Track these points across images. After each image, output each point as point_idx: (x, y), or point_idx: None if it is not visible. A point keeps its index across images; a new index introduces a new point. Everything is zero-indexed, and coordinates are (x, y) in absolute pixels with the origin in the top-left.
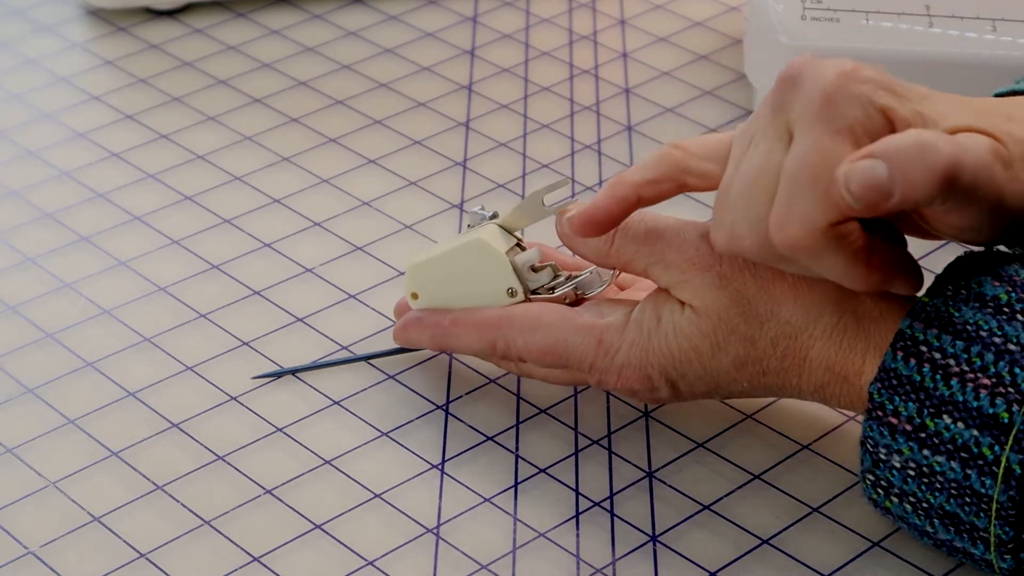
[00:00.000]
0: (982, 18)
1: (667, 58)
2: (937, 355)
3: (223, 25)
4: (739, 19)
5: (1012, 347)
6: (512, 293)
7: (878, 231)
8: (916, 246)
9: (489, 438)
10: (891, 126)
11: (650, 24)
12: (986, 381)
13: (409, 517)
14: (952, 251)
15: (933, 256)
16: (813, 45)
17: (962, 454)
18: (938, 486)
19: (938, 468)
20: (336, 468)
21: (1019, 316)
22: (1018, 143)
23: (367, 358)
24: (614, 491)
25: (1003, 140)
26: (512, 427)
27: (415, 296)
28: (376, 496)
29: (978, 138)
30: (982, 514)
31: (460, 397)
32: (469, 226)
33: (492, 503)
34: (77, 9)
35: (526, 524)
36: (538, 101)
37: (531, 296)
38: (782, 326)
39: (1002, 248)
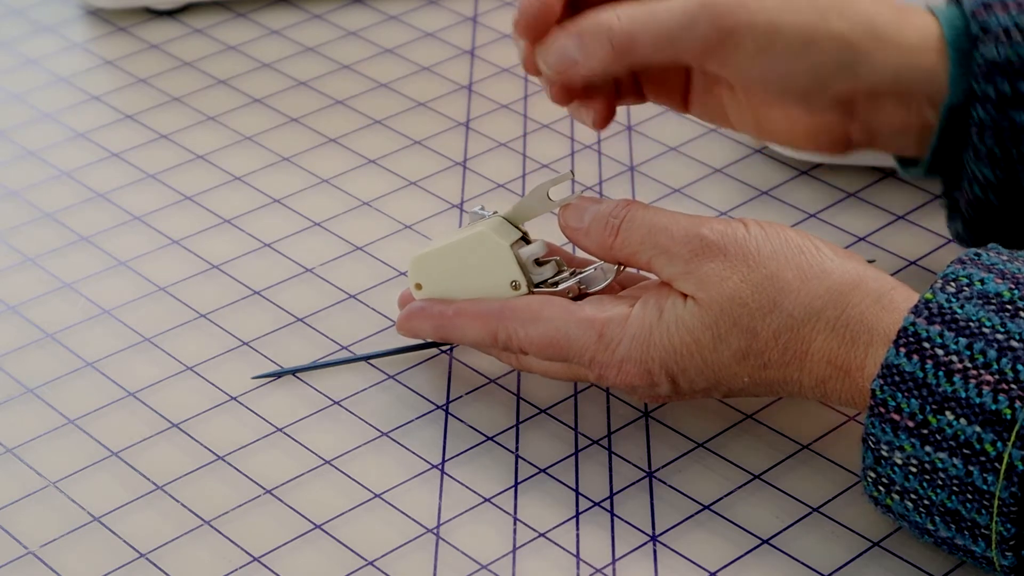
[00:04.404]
0: None
1: None
2: (940, 352)
3: (223, 25)
4: None
5: (1015, 344)
6: (516, 286)
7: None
8: (917, 246)
9: (489, 438)
10: None
11: None
12: (989, 378)
13: (409, 517)
14: (953, 250)
15: (934, 256)
16: None
17: (964, 450)
18: (940, 483)
19: (940, 465)
20: (336, 468)
21: (1022, 313)
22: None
23: (367, 358)
24: (614, 491)
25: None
26: (512, 427)
27: (419, 287)
28: (376, 496)
29: (672, 9)
30: (983, 511)
31: (460, 397)
32: (469, 224)
33: (492, 503)
34: (77, 9)
35: (526, 524)
36: (538, 101)
37: (535, 290)
38: (784, 318)
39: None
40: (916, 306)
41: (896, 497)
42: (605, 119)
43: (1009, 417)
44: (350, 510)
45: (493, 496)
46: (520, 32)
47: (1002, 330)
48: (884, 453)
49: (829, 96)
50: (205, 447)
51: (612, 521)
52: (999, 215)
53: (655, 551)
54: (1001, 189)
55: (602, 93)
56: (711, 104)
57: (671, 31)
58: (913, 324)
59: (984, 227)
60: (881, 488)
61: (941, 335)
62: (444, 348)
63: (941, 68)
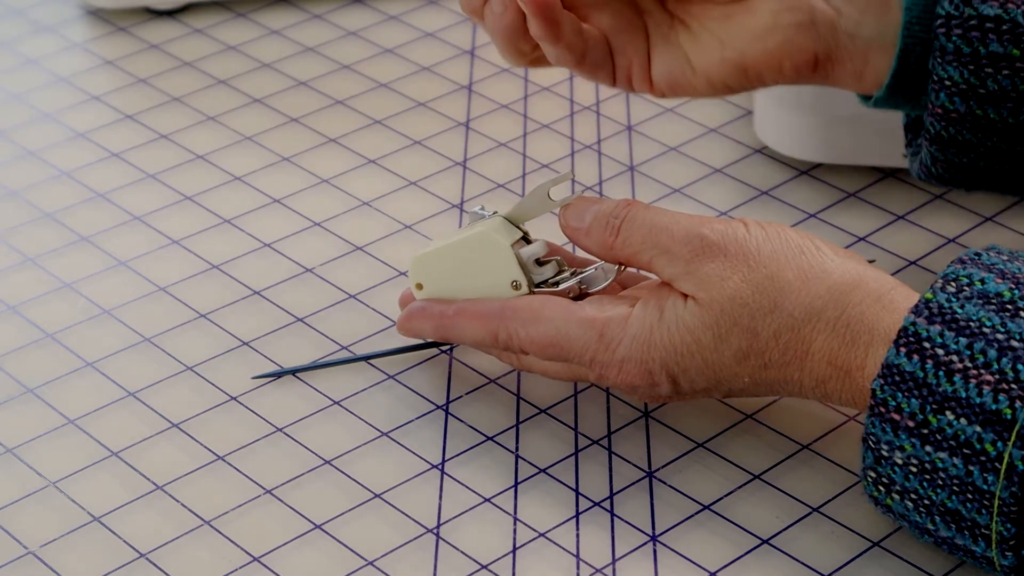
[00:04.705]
0: None
1: None
2: (940, 351)
3: (223, 25)
4: None
5: (1015, 343)
6: (516, 286)
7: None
8: (917, 246)
9: (489, 438)
10: None
11: None
12: (989, 377)
13: (409, 517)
14: (953, 250)
15: (934, 256)
16: None
17: (964, 450)
18: (940, 483)
19: (940, 465)
20: (336, 468)
21: (1022, 313)
22: None
23: (367, 358)
24: (614, 491)
25: None
26: (512, 427)
27: (420, 287)
28: (376, 496)
29: None
30: (984, 511)
31: (460, 397)
32: (470, 225)
33: (492, 503)
34: (77, 9)
35: (526, 524)
36: (538, 101)
37: (535, 290)
38: (785, 318)
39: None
40: (916, 306)
41: (896, 497)
42: (578, 51)
43: (1009, 417)
44: (350, 510)
45: (493, 496)
46: None
47: (1002, 330)
48: (884, 453)
49: None
50: (205, 447)
51: (612, 521)
52: (966, 134)
53: (655, 551)
54: (969, 95)
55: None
56: (671, 50)
57: None
58: (913, 324)
59: (950, 153)
60: (881, 488)
61: (941, 335)
62: (444, 348)
63: None
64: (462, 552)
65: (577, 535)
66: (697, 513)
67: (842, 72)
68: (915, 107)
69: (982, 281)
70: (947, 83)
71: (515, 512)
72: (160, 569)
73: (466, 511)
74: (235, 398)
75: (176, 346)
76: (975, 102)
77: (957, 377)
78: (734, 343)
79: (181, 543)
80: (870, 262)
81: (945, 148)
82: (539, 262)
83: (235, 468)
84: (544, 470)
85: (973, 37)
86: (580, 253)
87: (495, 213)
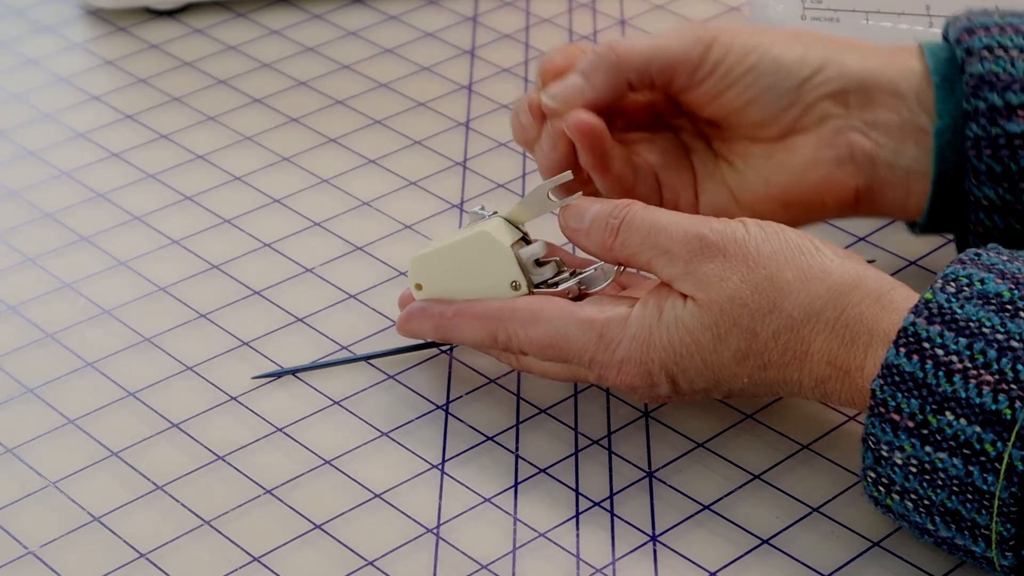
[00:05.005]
0: None
1: None
2: (940, 352)
3: (223, 25)
4: (739, 19)
5: (1015, 344)
6: (516, 286)
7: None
8: (917, 246)
9: (489, 438)
10: None
11: (650, 24)
12: (989, 378)
13: (409, 517)
14: (953, 250)
15: (935, 256)
16: None
17: (964, 451)
18: (940, 483)
19: (940, 465)
20: (336, 468)
21: (1022, 313)
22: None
23: (367, 358)
24: (614, 491)
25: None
26: (512, 427)
27: (419, 287)
28: (376, 496)
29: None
30: (983, 511)
31: (460, 397)
32: (469, 225)
33: (492, 503)
34: (77, 9)
35: (526, 524)
36: None
37: (535, 290)
38: (784, 319)
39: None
40: (916, 306)
41: (896, 497)
42: (628, 183)
43: (1009, 417)
44: (350, 510)
45: (493, 496)
46: (542, 77)
47: (1002, 330)
48: (884, 453)
49: (821, 92)
50: (205, 447)
51: (612, 521)
52: (1009, 245)
53: (655, 551)
54: (1006, 211)
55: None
56: (717, 187)
57: (666, 40)
58: (913, 324)
59: None
60: (881, 488)
61: (941, 335)
62: (444, 348)
63: (926, 73)
64: (462, 552)
65: (577, 535)
66: (697, 513)
67: (885, 202)
68: (959, 229)
69: (982, 281)
70: (984, 202)
71: (515, 512)
72: (160, 569)
73: (466, 511)
74: (235, 398)
75: (176, 346)
76: (1014, 218)
77: (957, 377)
78: (733, 344)
79: (181, 543)
80: (870, 262)
81: None
82: (539, 263)
83: (235, 468)
84: (544, 470)
85: (1003, 156)
86: (580, 254)
87: (495, 213)
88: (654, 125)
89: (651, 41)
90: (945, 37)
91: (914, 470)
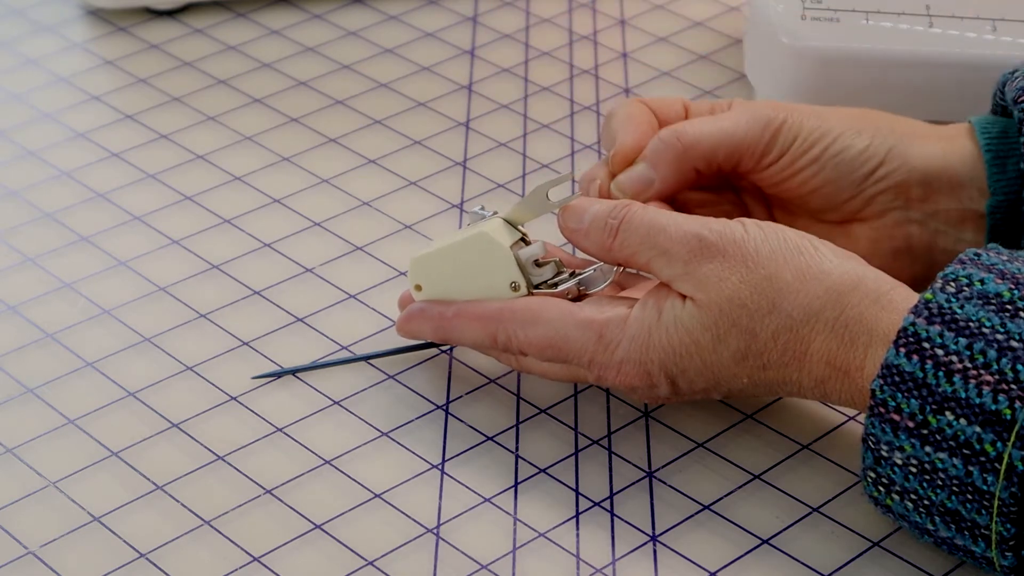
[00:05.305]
0: (982, 18)
1: (667, 58)
2: (940, 352)
3: (223, 25)
4: (739, 19)
5: (1015, 344)
6: (515, 287)
7: None
8: None
9: (489, 438)
10: None
11: (650, 24)
12: (988, 378)
13: (409, 517)
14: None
15: None
16: (813, 45)
17: (964, 451)
18: (939, 483)
19: (940, 465)
20: (336, 468)
21: (1022, 313)
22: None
23: (367, 358)
24: (614, 491)
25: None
26: (512, 427)
27: (419, 288)
28: (376, 496)
29: (730, 115)
30: (983, 511)
31: (460, 397)
32: (468, 225)
33: (492, 503)
34: (77, 9)
35: (526, 524)
36: (538, 101)
37: (534, 291)
38: (783, 319)
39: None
40: (916, 306)
41: (896, 497)
42: None
43: (1009, 417)
44: (350, 510)
45: (493, 496)
46: (615, 166)
47: (1002, 330)
48: (884, 453)
49: (883, 186)
50: (205, 447)
51: (612, 521)
52: None
53: (655, 551)
54: None
55: None
56: None
57: (733, 126)
58: (913, 324)
59: None
60: (881, 488)
61: (941, 335)
62: (444, 348)
63: (979, 154)
64: (462, 552)
65: (577, 535)
66: (697, 513)
67: (939, 252)
68: None
69: (982, 281)
70: None
71: (515, 512)
72: (160, 569)
73: (466, 511)
74: (235, 398)
75: (176, 346)
76: None
77: (957, 377)
78: (732, 344)
79: (181, 543)
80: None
81: None
82: (538, 263)
83: (235, 468)
84: (544, 470)
85: None
86: (579, 254)
87: (495, 214)
88: (719, 186)
89: (718, 127)
90: (1000, 90)
91: (914, 470)
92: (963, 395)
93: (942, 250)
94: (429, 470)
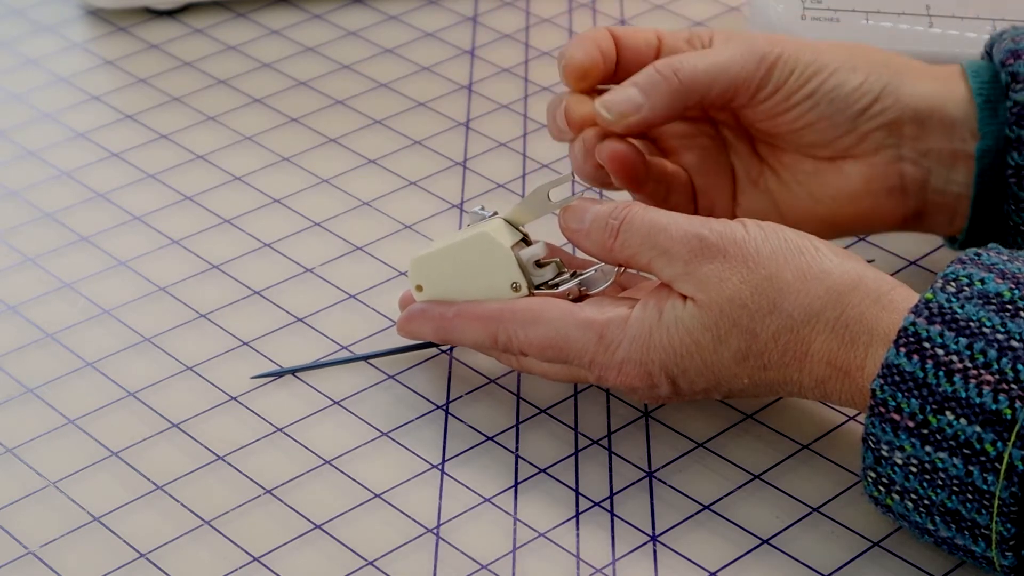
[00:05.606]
0: (982, 18)
1: None
2: (940, 351)
3: (223, 25)
4: (739, 19)
5: (1015, 344)
6: (516, 287)
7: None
8: (917, 246)
9: (489, 438)
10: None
11: (650, 24)
12: (989, 377)
13: (409, 517)
14: (953, 250)
15: (935, 256)
16: None
17: (964, 450)
18: (940, 483)
19: (940, 465)
20: (336, 468)
21: (1022, 313)
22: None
23: (367, 358)
24: (614, 491)
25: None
26: (512, 427)
27: (420, 289)
28: (376, 496)
29: (725, 49)
30: (984, 511)
31: (460, 397)
32: (469, 226)
33: (492, 503)
34: (77, 9)
35: (526, 524)
36: (538, 101)
37: (535, 291)
38: (784, 319)
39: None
40: (916, 306)
41: (896, 497)
42: (660, 195)
43: (1009, 417)
44: (350, 510)
45: (493, 496)
46: (568, 78)
47: (1002, 330)
48: (884, 453)
49: (877, 123)
50: (205, 447)
51: (612, 521)
52: None
53: (655, 551)
54: None
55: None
56: (759, 194)
57: (728, 61)
58: (913, 324)
59: None
60: (881, 488)
61: (941, 335)
62: (444, 348)
63: (971, 96)
64: (462, 552)
65: (577, 535)
66: (697, 513)
67: (932, 224)
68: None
69: (982, 281)
70: (1023, 228)
71: (515, 512)
72: (160, 569)
73: (466, 511)
74: (235, 398)
75: (176, 346)
76: None
77: (957, 377)
78: (733, 344)
79: (181, 543)
80: (869, 262)
81: None
82: (539, 264)
83: (235, 468)
84: (544, 470)
85: None
86: (580, 254)
87: (495, 214)
88: (696, 117)
89: (712, 61)
90: (988, 52)
91: (914, 470)
92: (963, 395)
93: (933, 189)
94: (429, 470)
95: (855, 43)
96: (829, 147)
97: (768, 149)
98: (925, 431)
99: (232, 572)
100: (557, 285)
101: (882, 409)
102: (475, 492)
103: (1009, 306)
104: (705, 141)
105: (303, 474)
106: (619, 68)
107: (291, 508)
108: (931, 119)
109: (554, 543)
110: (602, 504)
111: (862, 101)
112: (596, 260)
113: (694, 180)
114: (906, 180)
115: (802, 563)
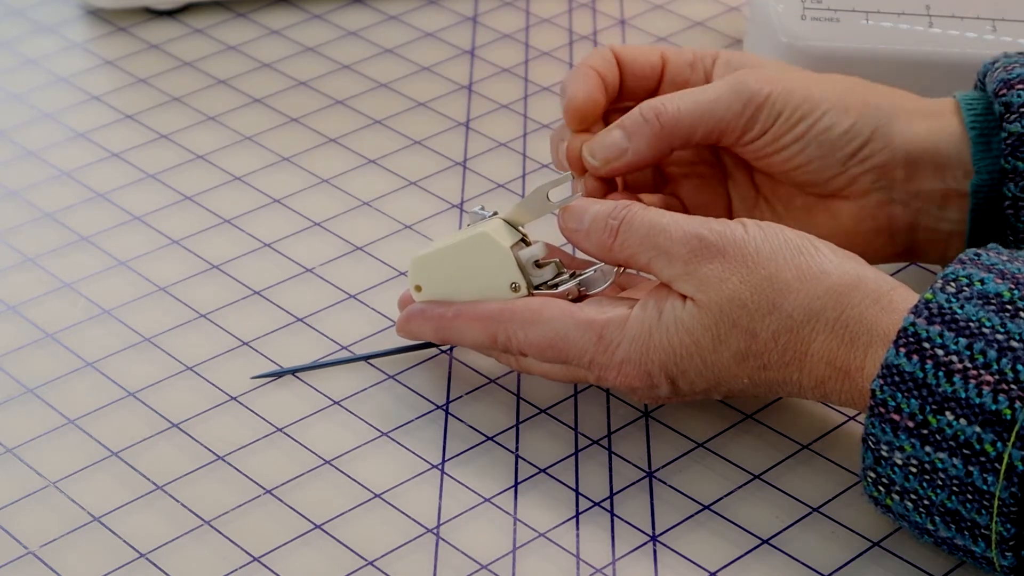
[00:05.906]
0: (982, 18)
1: None
2: (940, 352)
3: (223, 25)
4: (739, 19)
5: (1015, 344)
6: (516, 288)
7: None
8: None
9: (489, 438)
10: None
11: (650, 24)
12: (988, 378)
13: (409, 517)
14: None
15: None
16: (813, 45)
17: (964, 451)
18: (939, 483)
19: (940, 465)
20: (336, 468)
21: (1022, 313)
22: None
23: (367, 358)
24: (614, 491)
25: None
26: (512, 427)
27: (419, 289)
28: (376, 496)
29: (711, 88)
30: (983, 511)
31: (460, 397)
32: (469, 226)
33: (492, 503)
34: (77, 9)
35: (526, 524)
36: (538, 101)
37: (534, 292)
38: (784, 319)
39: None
40: (916, 306)
41: (896, 497)
42: None
43: (1009, 417)
44: (350, 510)
45: (493, 496)
46: (569, 122)
47: (1002, 330)
48: (884, 453)
49: (867, 166)
50: (205, 447)
51: (612, 521)
52: None
53: (655, 551)
54: None
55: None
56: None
57: (713, 103)
58: (913, 324)
59: None
60: (881, 488)
61: (941, 335)
62: (444, 348)
63: (964, 132)
64: (462, 552)
65: (577, 535)
66: (697, 513)
67: (924, 258)
68: None
69: (982, 281)
70: None
71: (515, 512)
72: (160, 569)
73: (466, 511)
74: (235, 398)
75: (176, 346)
76: None
77: (957, 377)
78: (733, 344)
79: (181, 543)
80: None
81: None
82: (538, 264)
83: (235, 468)
84: (544, 470)
85: None
86: (579, 255)
87: (495, 214)
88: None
89: (696, 103)
90: (980, 81)
91: (914, 470)
92: (963, 395)
93: (924, 228)
94: (429, 470)
95: (852, 80)
96: (820, 187)
97: (764, 179)
98: (925, 431)
99: (232, 572)
100: (556, 285)
101: (882, 409)
102: (475, 492)
103: (1009, 306)
104: (704, 169)
105: (303, 474)
106: (623, 92)
107: (291, 508)
108: (922, 160)
109: (554, 543)
110: (602, 504)
111: (852, 144)
112: (596, 260)
113: (689, 210)
114: (894, 221)
115: (802, 563)
